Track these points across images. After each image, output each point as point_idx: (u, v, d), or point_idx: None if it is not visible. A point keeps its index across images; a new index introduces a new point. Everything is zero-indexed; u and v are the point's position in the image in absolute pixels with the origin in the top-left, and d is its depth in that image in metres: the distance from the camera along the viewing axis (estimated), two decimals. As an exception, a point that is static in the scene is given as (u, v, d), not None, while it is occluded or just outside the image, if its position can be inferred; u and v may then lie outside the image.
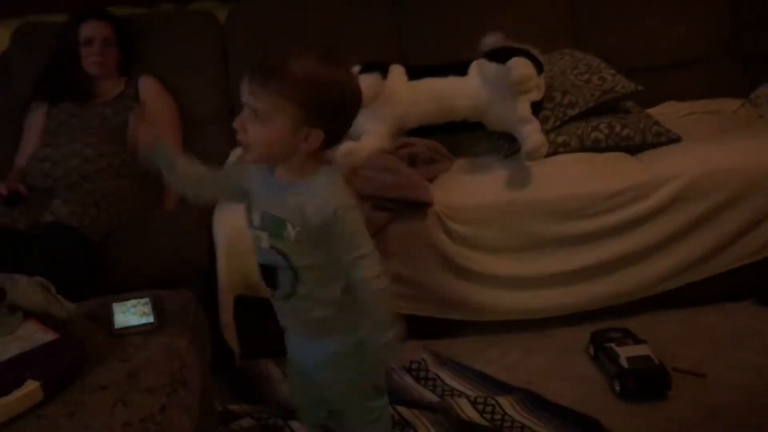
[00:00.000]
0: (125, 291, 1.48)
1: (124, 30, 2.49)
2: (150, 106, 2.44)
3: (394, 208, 1.96)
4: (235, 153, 2.36)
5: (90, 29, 2.38)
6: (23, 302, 1.32)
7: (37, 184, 2.22)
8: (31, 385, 1.11)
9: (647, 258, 2.10)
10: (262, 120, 1.17)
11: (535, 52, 2.18)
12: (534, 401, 1.79)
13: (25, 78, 2.51)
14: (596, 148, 2.16)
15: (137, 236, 2.05)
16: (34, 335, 1.26)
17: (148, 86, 2.47)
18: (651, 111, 2.37)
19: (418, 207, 1.98)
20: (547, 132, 2.13)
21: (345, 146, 2.01)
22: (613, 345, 1.88)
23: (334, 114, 1.21)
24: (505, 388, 1.86)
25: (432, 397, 1.85)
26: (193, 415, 1.24)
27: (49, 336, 1.25)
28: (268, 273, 1.31)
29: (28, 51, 2.58)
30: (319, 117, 1.18)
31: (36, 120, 2.42)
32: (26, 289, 1.35)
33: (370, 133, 2.08)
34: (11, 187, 2.13)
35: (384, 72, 2.13)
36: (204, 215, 2.10)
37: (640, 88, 2.24)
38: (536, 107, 2.12)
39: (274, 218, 1.25)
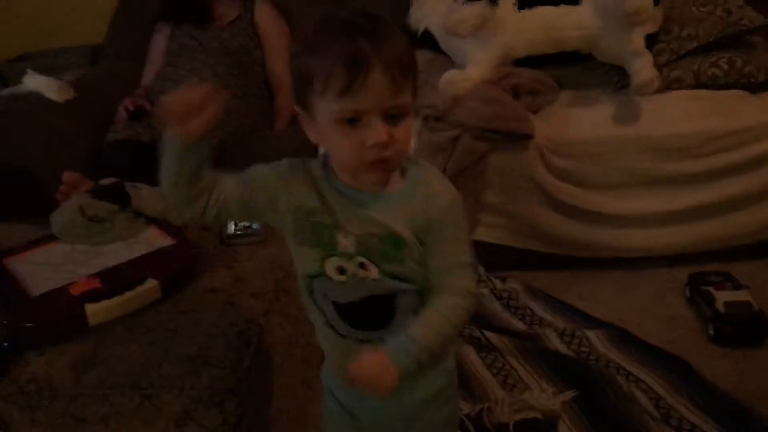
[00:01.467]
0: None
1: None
2: (264, 31, 2.52)
3: (495, 139, 1.97)
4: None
5: (210, -47, 2.46)
6: (146, 209, 1.46)
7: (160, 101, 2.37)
8: (151, 283, 1.23)
9: (756, 203, 2.02)
10: (402, 118, 0.88)
11: (655, -20, 2.07)
12: (623, 338, 1.80)
13: (151, 1, 2.64)
14: (714, 84, 2.06)
15: (250, 154, 2.15)
16: (155, 239, 1.39)
17: (263, 11, 2.54)
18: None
19: (520, 139, 1.98)
20: (660, 66, 2.04)
21: (448, 75, 2.01)
22: (711, 288, 1.85)
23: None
24: (594, 323, 1.88)
25: (520, 326, 1.89)
26: (292, 321, 1.35)
27: (168, 241, 1.38)
28: (374, 308, 0.96)
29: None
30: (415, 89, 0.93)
31: (160, 40, 2.56)
32: (148, 197, 1.48)
33: (475, 62, 2.07)
34: (137, 103, 2.29)
35: (493, 0, 2.09)
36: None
37: (768, 21, 2.10)
38: (651, 40, 2.03)
39: (386, 238, 0.92)
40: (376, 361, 0.87)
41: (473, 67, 2.07)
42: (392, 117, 0.86)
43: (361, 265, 0.92)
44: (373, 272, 0.92)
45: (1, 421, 1.07)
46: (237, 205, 0.97)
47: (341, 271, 0.93)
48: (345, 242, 0.92)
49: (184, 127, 0.89)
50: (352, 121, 0.86)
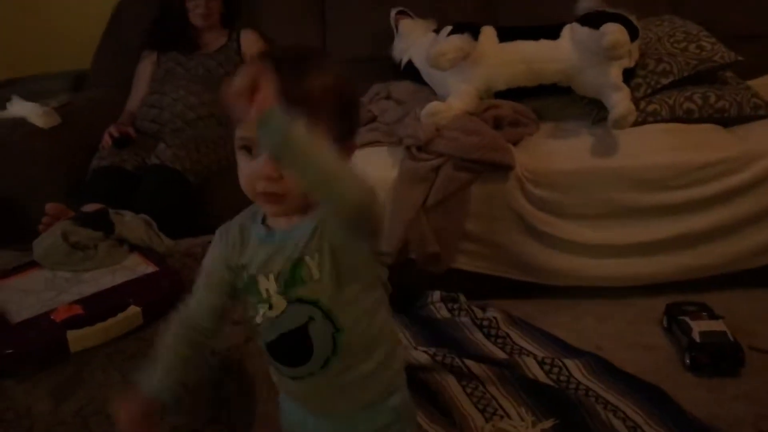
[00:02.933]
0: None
1: (228, -16, 2.60)
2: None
3: (476, 169, 2.00)
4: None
5: (195, -18, 2.50)
6: (129, 236, 1.47)
7: (145, 128, 2.39)
8: (134, 310, 1.24)
9: (732, 233, 2.05)
10: None
11: (631, 17, 2.13)
12: (601, 366, 1.81)
13: (137, 27, 2.67)
14: (688, 119, 2.11)
15: (234, 181, 2.18)
16: (138, 266, 1.41)
17: (249, 39, 2.58)
18: (753, 82, 2.28)
19: (500, 169, 2.01)
20: (637, 100, 2.10)
21: (430, 106, 2.06)
22: (687, 318, 1.87)
23: (357, 118, 0.97)
24: (573, 352, 1.89)
25: (500, 354, 1.90)
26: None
27: (150, 268, 1.39)
28: (291, 344, 0.96)
29: (140, 1, 2.74)
30: (351, 122, 0.94)
31: (146, 67, 2.59)
32: (132, 224, 1.50)
33: (457, 94, 2.11)
34: (122, 130, 2.31)
35: (475, 33, 2.15)
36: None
37: (740, 58, 2.17)
38: (628, 74, 2.09)
39: (290, 265, 0.92)
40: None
41: (455, 98, 2.12)
42: None
43: (269, 306, 0.94)
44: (279, 306, 0.93)
45: (-21, 450, 1.07)
46: (220, 302, 1.00)
47: (261, 315, 0.95)
48: (267, 285, 0.94)
49: None
50: (249, 149, 0.88)
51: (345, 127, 0.91)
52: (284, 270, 0.92)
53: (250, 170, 0.89)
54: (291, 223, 0.93)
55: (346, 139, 0.91)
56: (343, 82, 0.90)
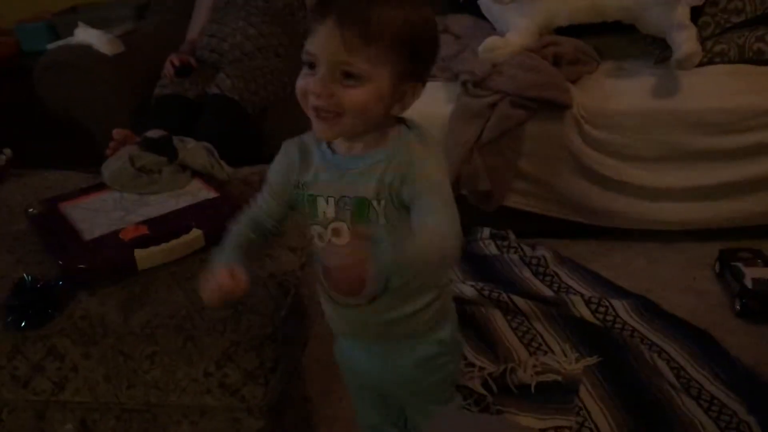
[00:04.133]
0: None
1: None
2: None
3: (532, 107, 1.98)
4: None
5: None
6: (191, 163, 1.52)
7: (205, 58, 2.43)
8: (196, 232, 1.30)
9: (794, 181, 2.00)
10: (358, 80, 0.88)
11: (704, -50, 2.04)
12: (648, 308, 1.82)
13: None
14: (758, 60, 2.03)
15: (290, 112, 2.22)
16: (199, 192, 1.46)
17: (308, -30, 2.57)
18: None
19: (557, 108, 1.99)
20: (704, 39, 2.02)
21: (488, 41, 2.03)
22: (740, 264, 1.86)
23: (430, 62, 0.96)
24: (621, 293, 1.90)
25: (547, 292, 1.93)
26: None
27: (212, 193, 1.45)
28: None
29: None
30: (418, 68, 0.93)
31: (206, -4, 2.60)
32: (194, 151, 1.55)
33: (517, 29, 2.07)
34: (182, 59, 2.35)
35: (538, -34, 2.09)
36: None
37: (822, -4, 2.05)
38: (696, 12, 2.01)
39: (354, 200, 0.94)
40: (355, 255, 0.83)
41: (514, 34, 2.08)
42: (347, 76, 0.88)
43: (335, 232, 0.97)
44: (345, 236, 0.96)
45: (57, 353, 1.16)
46: (280, 209, 1.06)
47: (320, 237, 0.99)
48: (326, 208, 0.97)
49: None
50: (311, 65, 0.90)
51: (409, 67, 0.91)
52: (348, 201, 0.95)
53: (303, 83, 0.91)
54: (352, 152, 0.97)
55: (407, 80, 0.92)
56: (417, 21, 0.89)
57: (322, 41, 0.87)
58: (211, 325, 1.14)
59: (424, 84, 0.95)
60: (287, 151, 1.03)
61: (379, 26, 0.86)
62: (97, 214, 1.38)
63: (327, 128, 0.92)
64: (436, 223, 0.89)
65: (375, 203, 0.93)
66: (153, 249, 1.25)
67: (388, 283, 0.97)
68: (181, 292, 1.21)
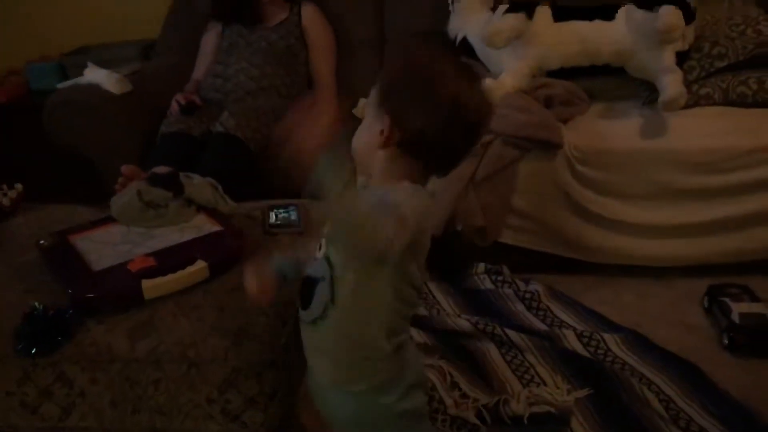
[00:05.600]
0: (279, 197, 1.70)
1: (291, -42, 2.68)
2: (310, 33, 2.64)
3: (525, 146, 2.05)
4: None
5: (262, -44, 2.59)
6: (196, 197, 1.58)
7: (210, 97, 2.51)
8: (201, 264, 1.35)
9: (779, 219, 2.06)
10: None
11: (689, -1, 2.14)
12: (639, 342, 1.87)
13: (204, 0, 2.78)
14: (741, 102, 2.11)
15: (293, 149, 2.29)
16: (204, 225, 1.51)
17: (309, 13, 2.66)
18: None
19: (549, 147, 2.06)
20: (690, 83, 2.11)
21: (483, 82, 2.10)
22: (728, 299, 1.91)
23: (405, 94, 1.02)
24: (612, 327, 1.95)
25: (540, 326, 1.97)
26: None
27: (216, 227, 1.50)
28: (307, 287, 1.08)
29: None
30: (390, 99, 1.03)
31: (211, 38, 2.70)
32: (199, 186, 1.61)
33: (510, 72, 2.16)
34: (187, 98, 2.43)
35: (530, 12, 2.18)
36: (351, 134, 2.27)
37: (799, 44, 2.14)
38: (682, 57, 2.10)
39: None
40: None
41: (507, 76, 2.16)
42: None
43: (320, 246, 1.08)
44: (321, 252, 1.06)
45: (66, 378, 1.20)
46: None
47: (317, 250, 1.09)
48: (328, 227, 1.06)
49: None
50: None
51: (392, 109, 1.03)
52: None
53: None
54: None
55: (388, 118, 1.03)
56: (412, 63, 1.04)
57: None
58: (213, 352, 1.19)
59: (393, 117, 1.04)
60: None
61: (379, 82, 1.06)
62: (105, 246, 1.43)
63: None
64: None
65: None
66: (159, 279, 1.30)
67: (326, 310, 1.04)
68: (186, 321, 1.26)
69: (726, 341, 1.84)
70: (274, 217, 1.59)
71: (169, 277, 1.31)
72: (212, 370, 1.18)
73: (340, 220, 0.93)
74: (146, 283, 1.29)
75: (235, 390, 1.18)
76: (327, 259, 1.04)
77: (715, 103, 2.13)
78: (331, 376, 1.09)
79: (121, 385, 1.20)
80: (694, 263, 2.14)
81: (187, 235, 1.47)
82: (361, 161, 1.07)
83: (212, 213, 1.56)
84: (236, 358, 1.18)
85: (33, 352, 1.20)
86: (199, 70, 2.66)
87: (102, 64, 2.54)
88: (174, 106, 2.40)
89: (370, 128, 1.04)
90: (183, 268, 1.34)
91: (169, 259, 1.36)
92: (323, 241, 1.06)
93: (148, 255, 1.37)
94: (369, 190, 1.05)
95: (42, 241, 1.47)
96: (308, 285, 1.07)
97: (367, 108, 1.07)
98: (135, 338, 1.22)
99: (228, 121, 2.26)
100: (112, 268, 1.34)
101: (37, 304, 1.25)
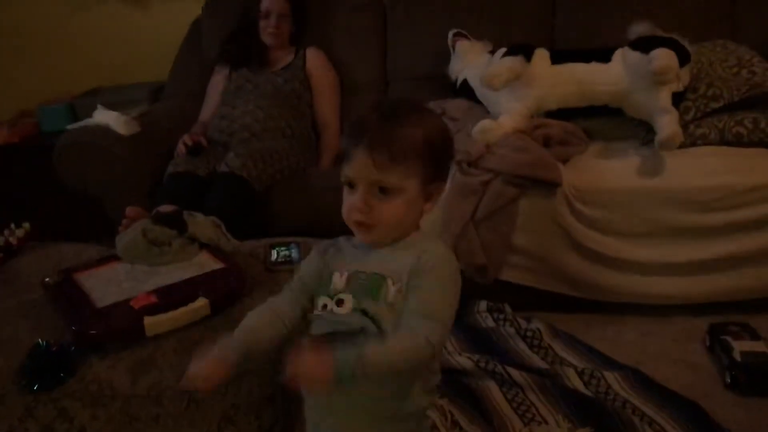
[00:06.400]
0: (281, 235, 1.73)
1: (300, 4, 2.75)
2: (314, 76, 2.71)
3: (524, 185, 2.08)
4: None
5: (269, 3, 2.67)
6: (199, 235, 1.62)
7: (216, 138, 2.56)
8: (202, 302, 1.38)
9: (779, 257, 2.07)
10: (392, 194, 1.03)
11: (684, 41, 2.18)
12: (640, 380, 1.86)
13: (213, 43, 2.86)
14: (737, 142, 2.14)
15: (295, 189, 2.34)
16: (207, 263, 1.54)
17: (314, 57, 2.74)
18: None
19: (548, 186, 2.08)
20: (686, 123, 2.14)
21: (482, 123, 2.15)
22: (729, 338, 1.90)
23: (449, 161, 1.11)
24: (613, 365, 1.94)
25: (542, 364, 1.97)
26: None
27: (218, 265, 1.53)
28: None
29: (217, 19, 2.93)
30: (440, 170, 1.08)
31: (218, 82, 2.77)
32: (202, 224, 1.64)
33: (509, 113, 2.19)
34: (194, 139, 2.49)
35: (528, 55, 2.23)
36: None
37: (793, 84, 2.18)
38: (678, 98, 2.13)
39: (371, 275, 1.05)
40: (317, 361, 0.93)
41: (506, 117, 2.20)
42: (381, 191, 1.02)
43: (339, 302, 1.05)
44: (347, 307, 1.04)
45: (67, 415, 1.22)
46: (305, 302, 1.12)
47: (324, 307, 1.07)
48: (338, 281, 1.07)
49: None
50: (351, 185, 1.04)
51: (432, 172, 1.05)
52: (363, 276, 1.05)
53: (348, 203, 1.04)
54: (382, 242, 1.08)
55: (433, 182, 1.06)
56: (434, 133, 1.05)
57: (357, 166, 1.02)
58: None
59: (445, 180, 1.10)
60: (322, 248, 1.14)
61: (403, 147, 1.01)
62: (109, 284, 1.46)
63: (368, 237, 1.06)
64: (417, 327, 0.98)
65: (390, 282, 1.03)
66: (161, 316, 1.33)
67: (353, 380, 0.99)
68: (187, 357, 1.25)
69: (728, 380, 1.83)
70: (275, 254, 1.62)
71: (171, 313, 1.34)
72: (211, 406, 1.20)
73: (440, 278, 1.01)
74: (148, 320, 1.31)
75: (233, 426, 1.19)
76: (362, 311, 1.03)
77: (711, 143, 2.15)
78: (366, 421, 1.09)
79: (121, 421, 1.21)
80: (695, 301, 2.14)
81: (190, 273, 1.49)
82: (401, 231, 1.08)
83: (215, 251, 1.59)
84: (235, 394, 1.20)
85: (35, 388, 1.22)
86: (206, 112, 2.72)
87: (112, 105, 2.60)
88: (181, 147, 2.45)
89: (413, 205, 1.06)
90: (185, 304, 1.37)
91: (171, 296, 1.39)
92: (348, 297, 1.05)
93: (150, 292, 1.40)
94: (412, 246, 1.06)
95: (47, 279, 1.50)
96: (337, 341, 1.03)
97: (396, 193, 1.03)
98: (136, 374, 1.24)
99: (233, 162, 2.31)
100: (116, 305, 1.37)
101: (40, 340, 1.27)
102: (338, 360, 0.93)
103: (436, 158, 1.05)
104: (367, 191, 1.02)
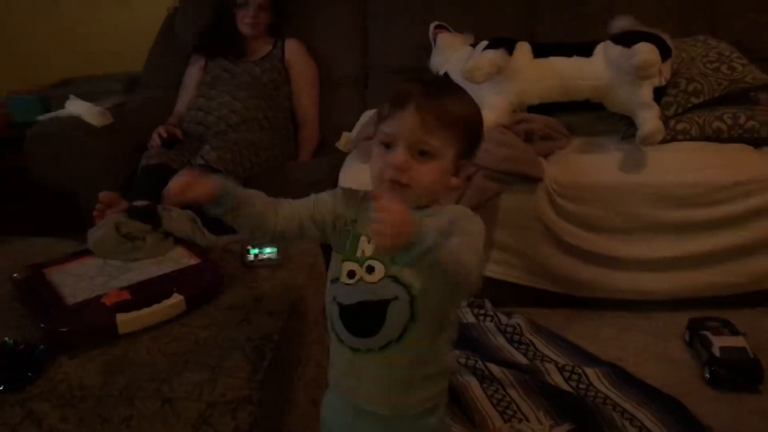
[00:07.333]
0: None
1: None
2: (293, 67, 2.67)
3: (505, 180, 2.06)
4: (367, 114, 2.53)
5: (246, -7, 2.62)
6: (175, 230, 1.57)
7: (192, 130, 2.51)
8: (177, 298, 1.33)
9: (757, 252, 2.08)
10: (431, 157, 1.02)
11: (665, 37, 2.18)
12: (621, 377, 1.86)
13: (189, 33, 2.81)
14: (717, 138, 2.14)
15: (273, 182, 2.30)
16: (182, 258, 1.50)
17: (293, 48, 2.69)
18: (786, 104, 2.30)
19: (530, 181, 2.07)
20: (667, 118, 2.14)
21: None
22: (708, 333, 1.91)
23: (479, 144, 1.12)
24: (594, 361, 1.94)
25: (522, 360, 1.96)
26: (304, 341, 1.45)
27: (194, 260, 1.49)
28: (368, 313, 1.06)
29: (194, 9, 2.88)
30: (471, 149, 1.09)
31: (194, 72, 2.71)
32: (177, 219, 1.60)
33: (491, 107, 2.17)
34: (169, 131, 2.44)
35: (510, 48, 2.21)
36: (334, 168, 2.29)
37: (771, 80, 2.19)
38: (659, 93, 2.13)
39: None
40: (405, 214, 0.88)
41: (488, 111, 2.18)
42: (420, 153, 1.02)
43: (369, 269, 1.05)
44: (378, 274, 1.04)
45: (35, 417, 1.17)
46: (297, 223, 1.13)
47: (351, 275, 1.07)
48: (366, 247, 1.06)
49: (188, 199, 1.07)
50: (387, 145, 1.04)
51: (466, 148, 1.07)
52: None
53: (383, 161, 1.03)
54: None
55: (463, 159, 1.07)
56: (473, 110, 1.08)
57: (403, 124, 1.02)
58: (188, 388, 1.17)
59: (471, 161, 1.11)
60: (342, 191, 1.14)
61: (450, 114, 1.03)
62: (81, 280, 1.41)
63: (400, 199, 0.99)
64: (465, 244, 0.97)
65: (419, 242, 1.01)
66: (134, 313, 1.28)
67: (406, 329, 1.04)
68: (161, 356, 1.23)
69: (707, 375, 1.84)
70: (252, 250, 1.58)
71: (145, 310, 1.29)
72: (187, 406, 1.16)
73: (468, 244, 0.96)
74: (121, 317, 1.27)
75: (210, 427, 1.15)
76: (394, 278, 1.04)
77: (692, 138, 2.15)
78: (395, 402, 1.10)
79: (92, 422, 1.17)
80: (675, 297, 2.15)
81: (164, 268, 1.45)
82: (430, 197, 1.07)
83: (190, 246, 1.55)
84: (211, 394, 1.16)
85: (1, 388, 1.17)
86: (182, 104, 2.67)
87: (85, 96, 2.55)
88: (155, 139, 2.40)
89: (445, 174, 1.05)
90: (159, 301, 1.32)
91: (145, 293, 1.34)
92: (378, 264, 1.05)
93: (123, 288, 1.35)
94: (439, 213, 1.05)
95: (16, 275, 1.45)
96: (370, 310, 1.05)
97: (434, 158, 1.03)
98: (108, 374, 1.20)
99: (209, 154, 2.26)
100: (87, 302, 1.32)
101: (7, 338, 1.22)
102: (423, 227, 0.89)
103: (471, 135, 1.08)
104: (409, 150, 1.02)
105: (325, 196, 1.14)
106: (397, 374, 1.08)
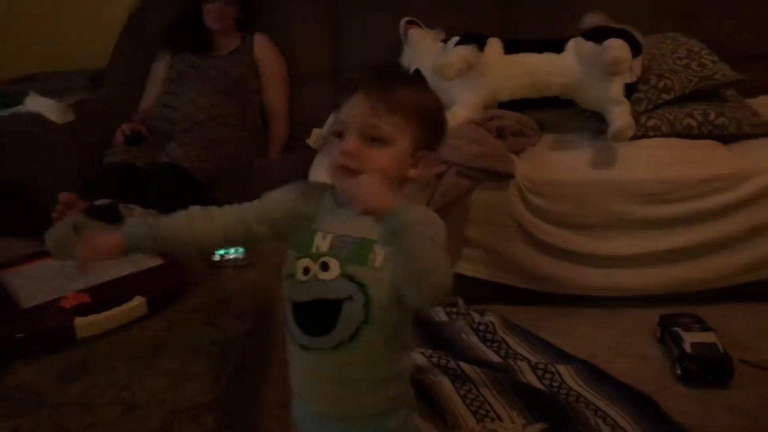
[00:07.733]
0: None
1: (245, -12, 2.66)
2: (262, 62, 2.62)
3: (477, 177, 2.05)
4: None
5: (213, -14, 2.57)
6: (137, 230, 1.52)
7: (157, 127, 2.46)
8: (139, 301, 1.29)
9: (727, 248, 2.09)
10: (382, 143, 1.01)
11: (635, 33, 2.18)
12: (593, 373, 1.85)
13: (155, 28, 2.74)
14: (687, 134, 2.15)
15: (241, 180, 2.26)
16: (143, 259, 1.45)
17: (261, 43, 2.65)
18: (754, 102, 2.32)
19: (502, 178, 2.06)
20: (638, 114, 2.14)
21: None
22: (679, 329, 1.91)
23: (441, 135, 1.09)
24: (566, 358, 1.93)
25: (495, 358, 1.95)
26: (272, 344, 1.41)
27: (156, 261, 1.44)
28: (321, 312, 1.04)
29: (159, 3, 2.82)
30: (431, 138, 1.06)
31: (160, 68, 2.66)
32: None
33: (462, 104, 2.16)
34: (134, 128, 2.38)
35: (481, 44, 2.20)
36: (304, 166, 2.24)
37: (741, 77, 2.20)
38: (630, 89, 2.13)
39: (359, 240, 1.03)
40: (383, 188, 0.90)
41: (460, 107, 2.16)
42: (372, 139, 1.01)
43: (324, 266, 1.04)
44: (334, 272, 1.03)
45: (-13, 426, 1.12)
46: (242, 228, 1.13)
47: (306, 271, 1.05)
48: (321, 243, 1.05)
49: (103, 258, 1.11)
50: (340, 134, 1.02)
51: (424, 137, 1.04)
52: (348, 240, 1.04)
53: (337, 147, 1.01)
54: None
55: (422, 148, 1.04)
56: (428, 98, 1.07)
57: (352, 110, 1.02)
58: (150, 394, 1.12)
59: (435, 152, 1.08)
60: (299, 187, 1.13)
61: (399, 99, 1.01)
62: (37, 282, 1.36)
63: (347, 183, 0.99)
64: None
65: (377, 247, 1.02)
66: (93, 317, 1.23)
67: (359, 330, 1.02)
68: (122, 361, 1.19)
69: (679, 371, 1.84)
70: (218, 250, 1.54)
71: (105, 314, 1.24)
72: (149, 413, 1.11)
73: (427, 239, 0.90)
74: (79, 321, 1.22)
75: (172, 434, 1.11)
76: (349, 277, 1.03)
77: (662, 135, 2.16)
78: (347, 403, 1.09)
79: (49, 431, 1.12)
80: (646, 293, 2.15)
81: (125, 270, 1.40)
82: None
83: (153, 246, 1.50)
84: (174, 400, 1.12)
85: (-48, 397, 1.12)
86: (147, 100, 2.61)
87: (48, 93, 2.49)
88: (119, 137, 2.35)
89: (400, 162, 1.03)
90: (119, 304, 1.27)
91: (104, 295, 1.29)
92: (333, 261, 1.04)
93: (82, 291, 1.31)
94: None
95: (-31, 278, 1.39)
96: (323, 309, 1.04)
97: (386, 144, 1.01)
98: (65, 380, 1.15)
99: (175, 152, 2.21)
100: (44, 306, 1.27)
101: (-43, 345, 1.17)
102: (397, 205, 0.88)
103: (428, 123, 1.04)
104: (360, 135, 1.01)
105: (276, 195, 1.13)
106: (347, 375, 1.07)
